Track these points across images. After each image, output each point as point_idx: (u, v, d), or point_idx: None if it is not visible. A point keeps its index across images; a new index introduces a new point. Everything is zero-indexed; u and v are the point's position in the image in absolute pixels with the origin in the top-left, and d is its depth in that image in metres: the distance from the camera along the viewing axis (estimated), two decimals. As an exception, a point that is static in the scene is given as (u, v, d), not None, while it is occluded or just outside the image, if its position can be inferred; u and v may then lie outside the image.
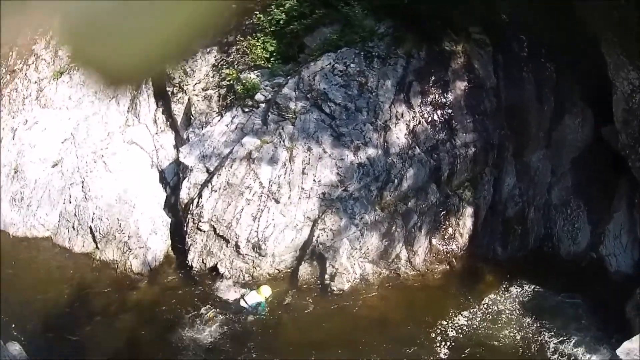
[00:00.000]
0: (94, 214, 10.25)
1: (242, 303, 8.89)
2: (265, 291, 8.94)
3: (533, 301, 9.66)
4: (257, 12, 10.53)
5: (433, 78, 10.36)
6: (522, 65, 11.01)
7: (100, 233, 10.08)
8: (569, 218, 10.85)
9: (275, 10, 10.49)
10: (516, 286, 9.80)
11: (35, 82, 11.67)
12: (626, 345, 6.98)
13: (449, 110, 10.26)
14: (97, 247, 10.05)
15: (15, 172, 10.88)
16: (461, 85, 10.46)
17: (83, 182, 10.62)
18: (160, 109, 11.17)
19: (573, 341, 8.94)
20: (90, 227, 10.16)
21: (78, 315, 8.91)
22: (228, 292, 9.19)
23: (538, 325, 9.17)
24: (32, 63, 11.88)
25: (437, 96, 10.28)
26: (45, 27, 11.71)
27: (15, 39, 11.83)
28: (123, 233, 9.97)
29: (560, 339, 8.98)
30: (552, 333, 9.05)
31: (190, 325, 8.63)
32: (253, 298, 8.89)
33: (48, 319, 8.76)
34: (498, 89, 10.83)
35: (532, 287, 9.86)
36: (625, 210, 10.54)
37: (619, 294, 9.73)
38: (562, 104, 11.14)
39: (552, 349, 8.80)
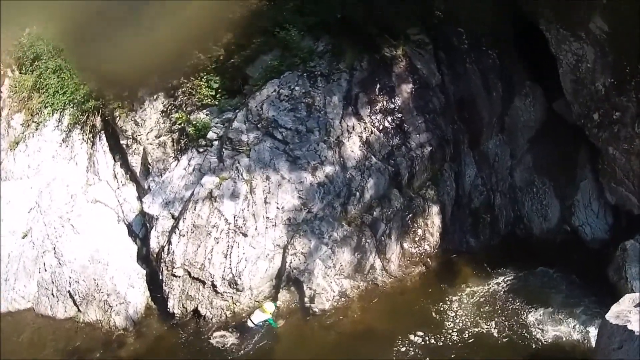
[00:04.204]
0: (70, 277, 10.21)
1: (249, 323, 9.12)
2: (269, 307, 9.22)
3: (514, 284, 9.70)
4: (196, 52, 10.62)
5: (378, 86, 10.51)
6: (465, 57, 11.23)
7: (79, 296, 10.04)
8: (536, 197, 10.99)
9: (213, 47, 10.60)
10: (494, 273, 9.90)
11: (-7, 157, 11.67)
12: (614, 308, 7.02)
13: (399, 115, 10.41)
14: (79, 310, 10.00)
15: (-13, 249, 10.80)
16: (407, 88, 10.62)
17: (55, 248, 10.60)
18: (118, 163, 11.18)
19: (561, 316, 9.00)
20: (69, 292, 10.13)
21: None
22: None
23: (523, 307, 9.20)
24: (-14, 138, 11.87)
25: (384, 103, 10.42)
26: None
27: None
28: (101, 292, 9.94)
29: (548, 316, 9.03)
30: (539, 312, 9.10)
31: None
32: (258, 317, 9.14)
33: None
34: (444, 85, 11.02)
35: (511, 271, 9.94)
36: (590, 178, 10.72)
37: (599, 261, 9.86)
38: (510, 87, 11.36)
39: (542, 328, 8.83)
